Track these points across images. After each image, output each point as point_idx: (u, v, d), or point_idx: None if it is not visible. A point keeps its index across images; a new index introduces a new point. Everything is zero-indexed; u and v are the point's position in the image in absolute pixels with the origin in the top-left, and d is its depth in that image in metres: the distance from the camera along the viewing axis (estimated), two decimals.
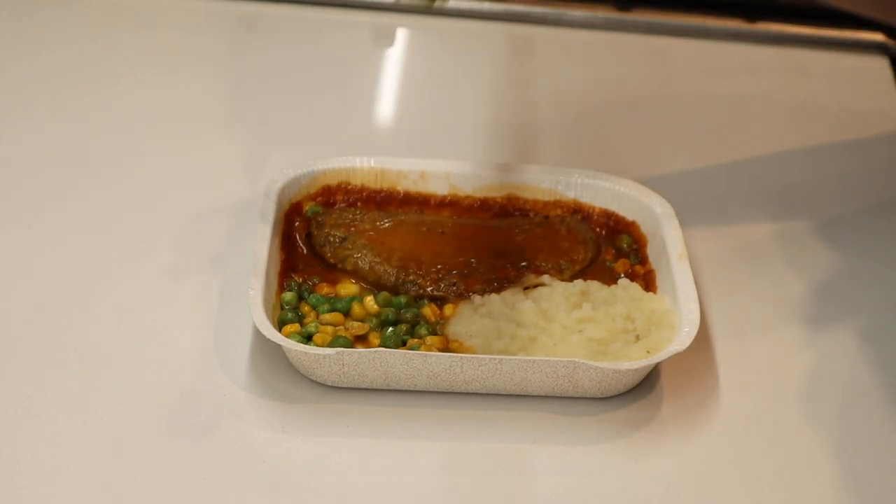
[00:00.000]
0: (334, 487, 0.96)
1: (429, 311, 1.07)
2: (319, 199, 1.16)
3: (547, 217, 1.16)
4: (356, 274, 1.10)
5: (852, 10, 1.13)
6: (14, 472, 0.95)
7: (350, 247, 1.11)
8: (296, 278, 1.09)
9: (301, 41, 1.46)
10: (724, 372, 1.06)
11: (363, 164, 1.17)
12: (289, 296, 1.07)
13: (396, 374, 1.00)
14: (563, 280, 1.10)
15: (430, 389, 1.02)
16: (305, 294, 1.08)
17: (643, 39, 1.48)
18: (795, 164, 1.32)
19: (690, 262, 1.09)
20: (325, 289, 1.09)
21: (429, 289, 1.09)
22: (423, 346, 1.03)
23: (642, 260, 1.13)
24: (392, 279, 1.09)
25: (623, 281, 1.10)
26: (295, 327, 1.04)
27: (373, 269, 1.10)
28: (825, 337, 1.11)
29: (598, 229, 1.16)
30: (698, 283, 1.11)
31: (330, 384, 1.02)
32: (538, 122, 1.36)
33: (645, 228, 1.15)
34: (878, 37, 1.48)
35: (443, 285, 1.09)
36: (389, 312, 1.06)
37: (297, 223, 1.14)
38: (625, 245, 1.15)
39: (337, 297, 1.08)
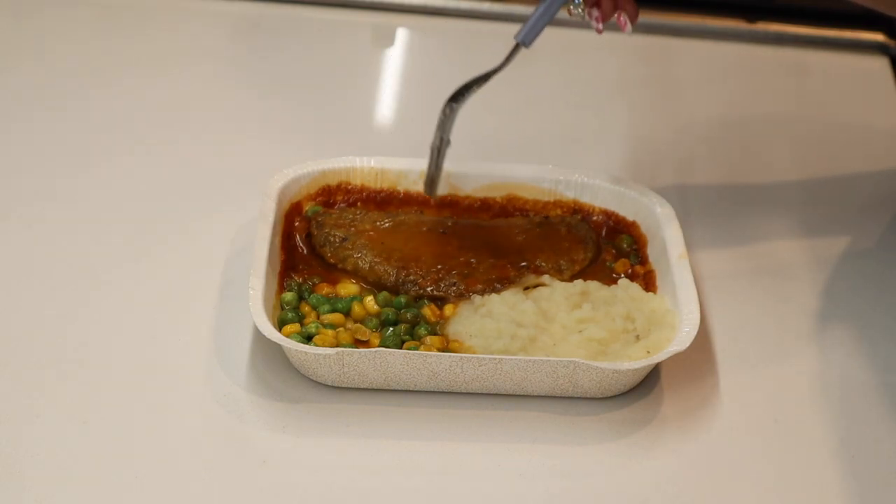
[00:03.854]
0: (334, 487, 0.96)
1: (429, 311, 1.07)
2: (319, 199, 1.16)
3: (547, 217, 1.16)
4: (356, 274, 1.10)
5: (865, 4, 1.13)
6: (14, 472, 0.95)
7: (350, 247, 1.11)
8: (296, 278, 1.09)
9: (301, 41, 1.46)
10: (724, 372, 1.06)
11: (363, 164, 1.17)
12: (289, 296, 1.07)
13: (396, 374, 1.00)
14: (563, 280, 1.10)
15: (430, 389, 1.02)
16: (305, 294, 1.08)
17: (644, 39, 1.48)
18: (794, 163, 1.32)
19: (690, 263, 1.09)
20: (325, 289, 1.09)
21: (429, 289, 1.09)
22: (423, 346, 1.03)
23: (642, 260, 1.13)
24: (392, 279, 1.09)
25: (623, 281, 1.10)
26: (295, 327, 1.04)
27: (373, 269, 1.10)
28: (825, 336, 1.11)
29: (598, 229, 1.16)
30: (698, 283, 1.11)
31: (330, 384, 1.02)
32: (538, 123, 1.36)
33: (645, 228, 1.15)
34: (878, 37, 1.48)
35: (443, 285, 1.09)
36: (389, 312, 1.06)
37: (297, 223, 1.14)
38: (625, 245, 1.15)
39: (337, 297, 1.08)
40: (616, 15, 1.09)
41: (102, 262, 1.13)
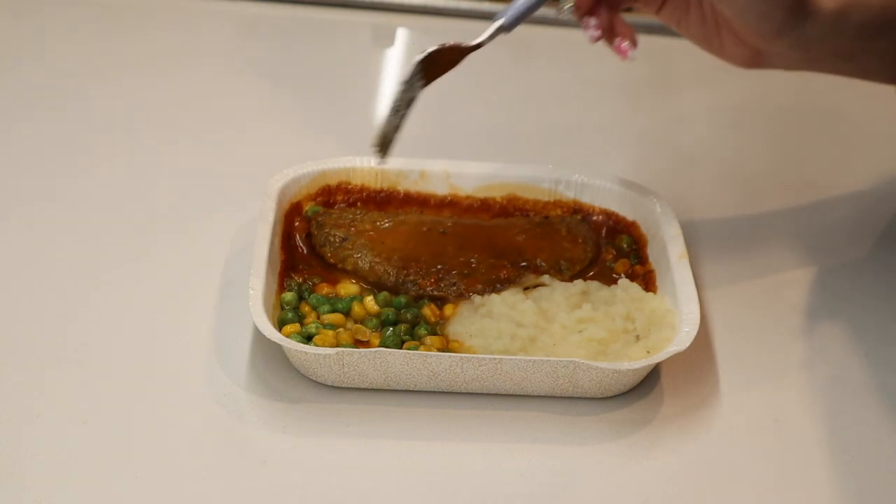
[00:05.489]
0: (334, 487, 0.96)
1: (429, 311, 1.07)
2: (319, 199, 1.16)
3: (547, 217, 1.16)
4: (356, 274, 1.10)
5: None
6: (14, 472, 0.94)
7: (350, 247, 1.11)
8: (296, 278, 1.09)
9: (301, 41, 1.46)
10: (724, 372, 1.06)
11: (363, 164, 1.17)
12: (289, 296, 1.07)
13: (396, 374, 1.00)
14: (563, 280, 1.10)
15: (430, 389, 1.02)
16: (305, 294, 1.08)
17: (643, 39, 1.47)
18: (794, 163, 1.32)
19: (690, 262, 1.09)
20: (325, 289, 1.09)
21: (429, 289, 1.09)
22: (423, 346, 1.03)
23: (642, 260, 1.13)
24: (392, 279, 1.09)
25: (623, 281, 1.10)
26: (295, 327, 1.04)
27: (373, 269, 1.10)
28: (825, 336, 1.11)
29: (598, 229, 1.16)
30: (698, 283, 1.11)
31: (330, 384, 1.02)
32: (538, 122, 1.36)
33: (645, 228, 1.15)
34: None
35: (443, 285, 1.09)
36: (389, 312, 1.06)
37: (297, 223, 1.14)
38: (625, 245, 1.15)
39: (337, 297, 1.08)
40: (618, 41, 1.07)
41: (102, 262, 1.13)
